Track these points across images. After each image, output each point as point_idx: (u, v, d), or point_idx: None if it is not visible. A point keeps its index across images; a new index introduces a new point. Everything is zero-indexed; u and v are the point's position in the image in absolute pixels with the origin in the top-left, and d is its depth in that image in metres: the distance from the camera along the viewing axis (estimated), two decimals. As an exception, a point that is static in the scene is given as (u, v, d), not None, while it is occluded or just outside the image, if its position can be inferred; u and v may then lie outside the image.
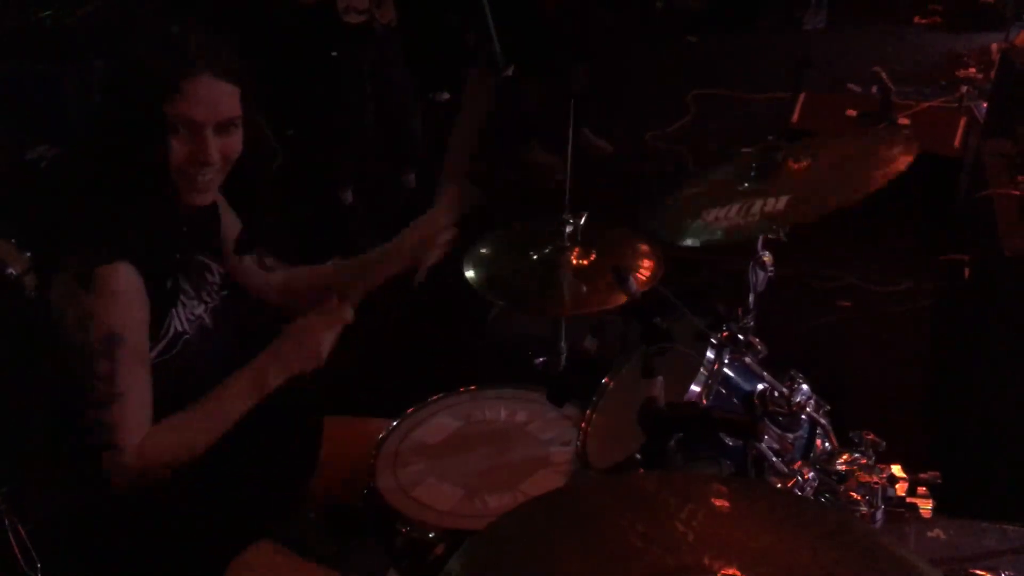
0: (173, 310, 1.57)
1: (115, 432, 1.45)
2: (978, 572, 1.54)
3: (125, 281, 1.44)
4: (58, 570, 2.26)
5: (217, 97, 1.49)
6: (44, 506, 2.22)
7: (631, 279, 1.43)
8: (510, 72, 5.76)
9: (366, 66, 3.97)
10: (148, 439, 1.49)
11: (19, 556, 2.30)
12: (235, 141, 1.54)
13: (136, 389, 1.47)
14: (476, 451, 1.78)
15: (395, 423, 1.85)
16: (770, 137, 1.64)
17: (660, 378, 1.17)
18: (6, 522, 2.35)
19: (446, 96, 5.77)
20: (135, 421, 1.48)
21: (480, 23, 5.88)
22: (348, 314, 1.66)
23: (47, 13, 3.89)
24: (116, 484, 1.49)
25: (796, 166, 1.62)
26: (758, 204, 1.55)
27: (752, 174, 1.71)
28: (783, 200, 1.53)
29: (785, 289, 1.84)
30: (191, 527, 1.60)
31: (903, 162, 1.53)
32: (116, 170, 1.47)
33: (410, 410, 1.89)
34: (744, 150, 4.94)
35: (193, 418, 1.54)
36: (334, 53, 3.86)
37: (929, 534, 2.27)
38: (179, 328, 1.57)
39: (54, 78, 3.70)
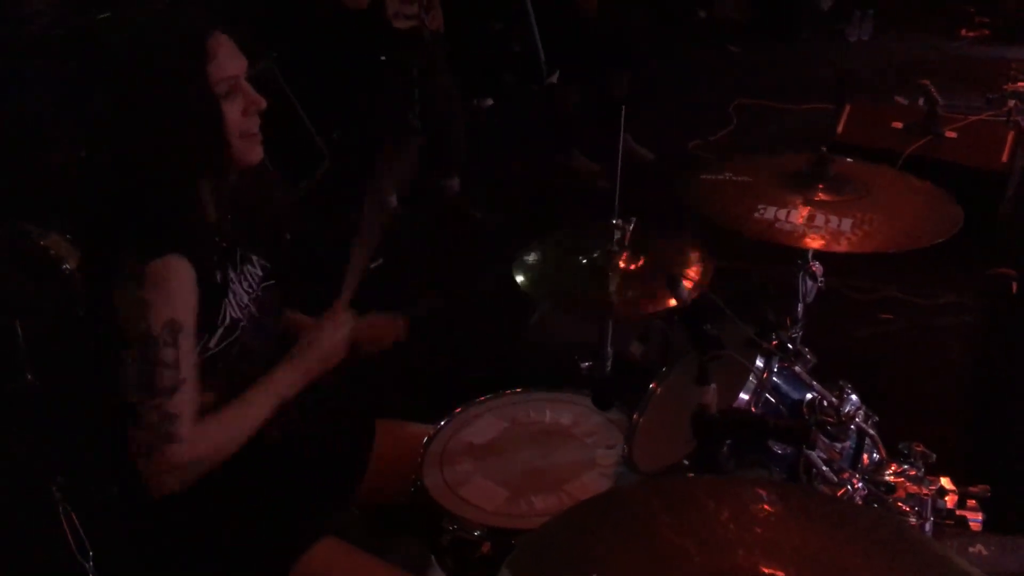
0: (225, 300, 1.61)
1: (175, 422, 1.47)
2: (1025, 587, 1.52)
3: (178, 272, 1.47)
4: (112, 560, 2.32)
5: (234, 48, 1.53)
6: (102, 497, 2.28)
7: (683, 285, 1.45)
8: (554, 79, 5.81)
9: (413, 71, 4.02)
10: (203, 430, 1.51)
11: (73, 544, 2.37)
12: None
13: (192, 377, 1.50)
14: (522, 452, 1.81)
15: (443, 423, 1.88)
16: (823, 148, 1.64)
17: (713, 386, 1.19)
18: (60, 510, 2.42)
19: (489, 102, 5.82)
20: (191, 410, 1.51)
21: (525, 30, 5.94)
22: (345, 315, 1.75)
23: (105, 15, 3.98)
24: (162, 482, 1.49)
25: (834, 197, 1.63)
26: (821, 218, 1.55)
27: (804, 181, 1.71)
28: (848, 222, 1.53)
29: (826, 301, 1.84)
30: (250, 525, 1.63)
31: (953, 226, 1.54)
32: (172, 160, 1.50)
33: (458, 410, 1.92)
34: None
35: (236, 417, 1.57)
36: (383, 58, 3.91)
37: (971, 550, 2.25)
38: (234, 315, 1.61)
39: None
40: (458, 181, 4.45)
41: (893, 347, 3.39)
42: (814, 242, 1.53)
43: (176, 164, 1.50)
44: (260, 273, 1.73)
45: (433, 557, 1.72)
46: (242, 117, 1.54)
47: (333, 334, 1.70)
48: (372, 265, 3.72)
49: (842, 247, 1.52)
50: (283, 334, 1.81)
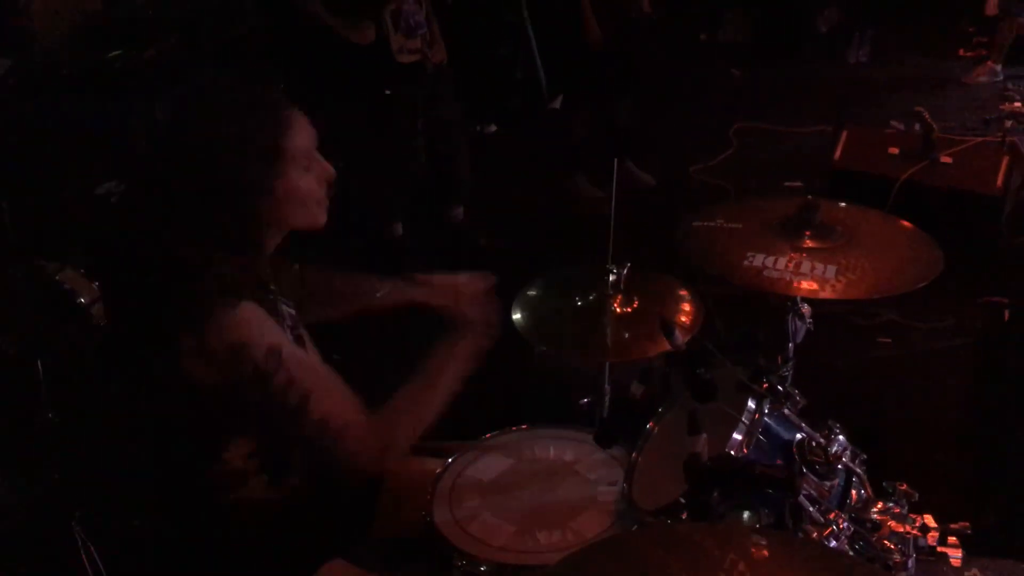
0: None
1: (331, 420, 1.55)
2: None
3: (252, 311, 1.55)
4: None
5: (306, 121, 1.62)
6: (120, 530, 2.36)
7: (677, 333, 1.53)
8: (557, 104, 5.91)
9: (418, 103, 4.11)
10: (380, 419, 1.63)
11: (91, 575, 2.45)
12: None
13: (319, 379, 1.58)
14: (527, 489, 1.88)
15: (450, 460, 1.95)
16: (809, 197, 1.72)
17: (704, 435, 1.26)
18: (80, 544, 2.50)
19: (493, 128, 5.91)
20: (342, 399, 1.59)
21: (527, 56, 6.04)
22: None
23: (116, 54, 4.10)
24: (363, 463, 1.61)
25: (821, 244, 1.71)
26: (807, 265, 1.63)
27: (792, 227, 1.79)
28: (832, 269, 1.61)
29: (825, 324, 1.91)
30: (265, 552, 1.70)
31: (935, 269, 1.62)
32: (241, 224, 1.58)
33: (465, 447, 1.99)
34: (787, 184, 4.96)
35: (411, 395, 1.70)
36: (387, 91, 4.00)
37: (966, 574, 2.32)
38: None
39: (122, 116, 3.88)
40: (462, 210, 4.53)
41: (890, 371, 3.46)
42: (800, 290, 1.61)
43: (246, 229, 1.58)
44: (292, 312, 1.81)
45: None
46: (317, 186, 1.62)
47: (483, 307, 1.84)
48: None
49: (827, 294, 1.59)
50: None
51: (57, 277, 3.31)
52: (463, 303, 1.90)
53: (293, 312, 1.79)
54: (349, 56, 3.93)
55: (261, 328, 1.55)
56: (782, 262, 1.67)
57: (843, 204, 1.92)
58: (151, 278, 1.58)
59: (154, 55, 4.04)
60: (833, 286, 1.61)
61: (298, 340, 1.73)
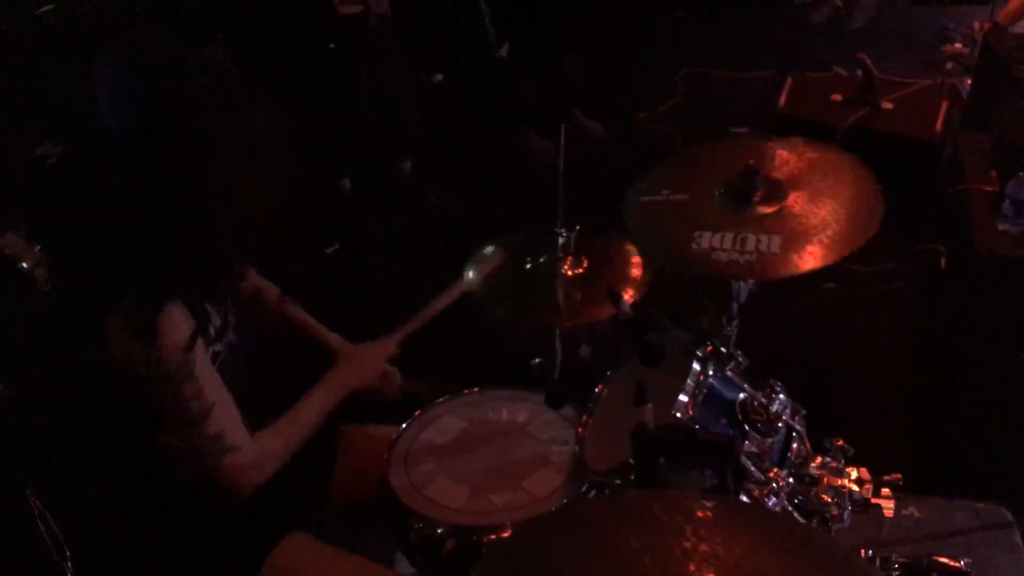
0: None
1: (224, 438, 1.59)
2: (941, 559, 1.68)
3: (177, 315, 1.57)
4: (89, 560, 2.41)
5: None
6: (78, 500, 2.36)
7: (624, 301, 1.57)
8: (504, 52, 5.85)
9: (363, 57, 4.05)
10: (259, 441, 1.66)
11: (50, 545, 2.45)
12: None
13: (220, 394, 1.61)
14: (481, 450, 1.93)
15: (405, 424, 1.99)
16: (751, 161, 1.75)
17: (650, 405, 1.31)
18: (36, 514, 2.50)
19: (439, 77, 5.84)
20: (234, 422, 1.63)
21: (471, 2, 5.95)
22: (392, 348, 1.95)
23: (48, 8, 3.96)
24: (237, 486, 1.63)
25: (768, 209, 1.73)
26: (752, 241, 1.65)
27: (734, 199, 1.81)
28: (776, 241, 1.64)
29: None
30: (225, 524, 1.74)
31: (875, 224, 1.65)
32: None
33: (417, 412, 2.03)
34: (734, 129, 4.95)
35: (288, 425, 1.73)
36: (331, 45, 3.94)
37: (904, 512, 2.43)
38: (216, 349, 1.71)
39: (57, 75, 3.77)
40: (410, 164, 4.50)
41: (833, 316, 3.55)
42: (750, 272, 1.63)
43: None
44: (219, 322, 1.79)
45: (403, 553, 1.85)
46: None
47: (373, 362, 1.91)
48: (329, 250, 3.78)
49: (776, 271, 1.62)
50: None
51: (-2, 242, 3.25)
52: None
53: (219, 323, 1.77)
54: (289, 9, 3.85)
55: (180, 335, 1.56)
56: (728, 239, 1.68)
57: (785, 152, 1.92)
58: (92, 250, 1.59)
59: (91, 9, 3.91)
60: (779, 260, 1.63)
61: (213, 356, 1.72)
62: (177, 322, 1.56)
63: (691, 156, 2.23)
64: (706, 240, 1.67)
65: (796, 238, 1.67)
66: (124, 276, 1.58)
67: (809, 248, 1.65)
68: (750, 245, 1.64)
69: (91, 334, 1.57)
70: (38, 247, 3.24)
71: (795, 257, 1.64)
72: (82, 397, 2.03)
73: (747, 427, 1.57)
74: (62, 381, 2.81)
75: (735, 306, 1.84)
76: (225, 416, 1.61)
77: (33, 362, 2.98)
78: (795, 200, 1.77)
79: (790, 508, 1.49)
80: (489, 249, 2.11)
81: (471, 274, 2.04)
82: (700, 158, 2.06)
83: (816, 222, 1.73)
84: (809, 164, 1.86)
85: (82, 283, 1.66)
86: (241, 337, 1.78)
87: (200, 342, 1.60)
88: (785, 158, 1.86)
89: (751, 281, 1.78)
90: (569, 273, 1.97)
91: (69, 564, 2.43)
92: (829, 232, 1.70)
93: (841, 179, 1.81)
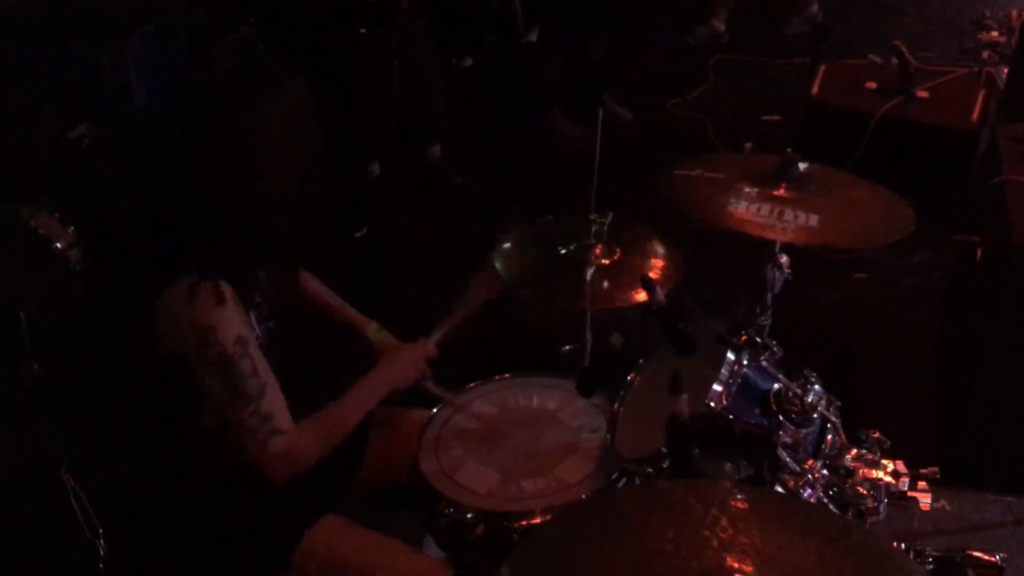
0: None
1: (274, 419, 1.61)
2: (976, 553, 1.66)
3: (228, 294, 1.58)
4: (122, 538, 2.45)
5: None
6: (111, 479, 2.40)
7: (658, 289, 1.56)
8: (533, 37, 5.82)
9: (392, 42, 4.05)
10: (302, 429, 1.67)
11: (83, 522, 2.49)
12: None
13: (272, 378, 1.63)
14: (511, 437, 1.93)
15: (435, 410, 1.99)
16: (788, 150, 1.74)
17: (685, 395, 1.30)
18: (69, 491, 2.54)
19: (469, 62, 5.83)
20: (283, 406, 1.64)
21: (502, -12, 5.93)
22: (432, 349, 1.97)
23: (81, -10, 3.97)
24: (275, 473, 1.64)
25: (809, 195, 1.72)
26: (790, 213, 1.65)
27: (772, 179, 1.80)
28: (815, 219, 1.63)
29: (802, 262, 1.95)
30: (255, 507, 1.75)
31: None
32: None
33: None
34: (765, 118, 4.88)
35: (330, 418, 1.74)
36: (362, 30, 3.93)
37: (935, 505, 2.42)
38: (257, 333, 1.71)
39: (91, 57, 3.79)
40: (439, 148, 4.50)
41: (864, 307, 3.52)
42: (787, 234, 1.63)
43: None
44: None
45: (431, 536, 1.85)
46: None
47: (415, 363, 1.92)
48: (357, 235, 3.77)
49: (813, 238, 1.62)
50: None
51: (32, 222, 3.28)
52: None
53: (263, 309, 1.78)
54: (319, -7, 3.85)
55: (234, 314, 1.57)
56: (765, 209, 1.69)
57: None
58: (136, 238, 1.60)
59: (120, -8, 3.92)
60: (817, 232, 1.64)
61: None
62: (232, 300, 1.58)
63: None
64: (743, 206, 1.68)
65: (835, 218, 1.67)
66: (170, 260, 1.59)
67: (845, 228, 1.64)
68: (788, 216, 1.65)
69: (137, 317, 1.59)
70: (72, 228, 3.28)
71: (834, 233, 1.63)
72: (117, 377, 2.05)
73: (781, 417, 1.56)
74: (96, 361, 2.86)
75: (769, 296, 1.82)
76: (277, 398, 1.63)
77: (67, 342, 3.03)
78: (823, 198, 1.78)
79: (825, 500, 1.48)
80: (519, 233, 2.10)
81: (500, 258, 2.03)
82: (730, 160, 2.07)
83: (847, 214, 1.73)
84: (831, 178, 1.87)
85: (126, 267, 1.68)
86: (279, 323, 1.79)
87: (252, 321, 1.62)
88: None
89: (786, 265, 1.77)
90: (603, 261, 1.95)
91: (101, 542, 2.47)
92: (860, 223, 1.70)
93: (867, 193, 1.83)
